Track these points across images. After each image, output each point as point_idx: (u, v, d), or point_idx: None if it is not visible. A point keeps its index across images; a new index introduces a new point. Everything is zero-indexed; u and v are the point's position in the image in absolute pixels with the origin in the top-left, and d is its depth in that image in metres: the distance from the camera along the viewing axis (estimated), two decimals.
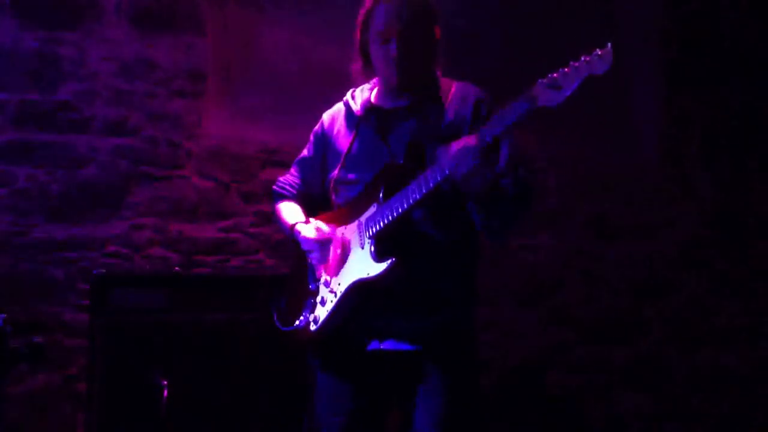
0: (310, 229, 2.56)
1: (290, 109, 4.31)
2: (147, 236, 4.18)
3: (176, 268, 3.95)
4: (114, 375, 3.33)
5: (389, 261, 2.36)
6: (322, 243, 2.52)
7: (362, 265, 2.42)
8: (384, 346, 2.46)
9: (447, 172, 2.27)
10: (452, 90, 2.54)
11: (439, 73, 2.59)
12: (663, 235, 4.79)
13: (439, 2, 2.56)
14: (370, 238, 2.43)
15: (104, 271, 3.57)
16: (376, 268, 2.38)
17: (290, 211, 2.72)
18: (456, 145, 2.28)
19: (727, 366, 4.76)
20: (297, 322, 2.55)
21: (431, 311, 2.45)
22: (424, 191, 2.32)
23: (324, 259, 2.53)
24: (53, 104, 4.12)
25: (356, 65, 2.62)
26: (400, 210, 2.36)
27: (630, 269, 4.75)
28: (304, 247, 2.56)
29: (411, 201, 2.33)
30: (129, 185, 4.19)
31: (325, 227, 2.55)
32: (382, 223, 2.40)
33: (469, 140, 2.27)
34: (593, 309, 4.70)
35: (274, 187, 2.84)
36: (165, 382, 3.22)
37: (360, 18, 2.55)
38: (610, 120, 4.78)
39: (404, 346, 2.45)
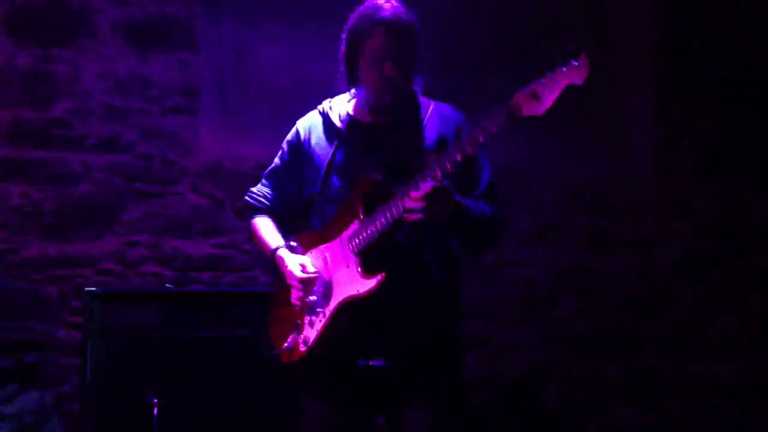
0: (294, 263, 2.54)
1: (285, 124, 4.28)
2: (141, 253, 4.17)
3: (167, 284, 3.94)
4: (107, 393, 3.32)
5: (379, 276, 2.35)
6: (306, 283, 2.50)
7: (350, 283, 2.41)
8: (372, 363, 2.45)
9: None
10: (431, 108, 2.56)
11: (417, 91, 2.60)
12: (658, 249, 4.78)
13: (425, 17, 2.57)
14: (355, 255, 2.42)
15: (97, 288, 3.55)
16: (366, 285, 2.37)
17: (268, 231, 2.70)
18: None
19: (723, 379, 4.75)
20: (285, 344, 2.51)
21: (416, 327, 2.45)
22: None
23: (306, 296, 2.50)
24: (47, 121, 4.12)
25: (341, 80, 2.62)
26: (384, 223, 2.36)
27: (625, 283, 4.74)
28: (287, 281, 2.55)
29: (396, 215, 2.33)
30: (123, 202, 4.18)
31: (310, 266, 2.52)
32: (366, 239, 2.40)
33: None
34: (589, 323, 4.69)
35: (247, 198, 2.80)
36: (157, 400, 3.21)
37: (349, 35, 2.55)
38: (604, 133, 4.78)
39: (391, 363, 2.43)
